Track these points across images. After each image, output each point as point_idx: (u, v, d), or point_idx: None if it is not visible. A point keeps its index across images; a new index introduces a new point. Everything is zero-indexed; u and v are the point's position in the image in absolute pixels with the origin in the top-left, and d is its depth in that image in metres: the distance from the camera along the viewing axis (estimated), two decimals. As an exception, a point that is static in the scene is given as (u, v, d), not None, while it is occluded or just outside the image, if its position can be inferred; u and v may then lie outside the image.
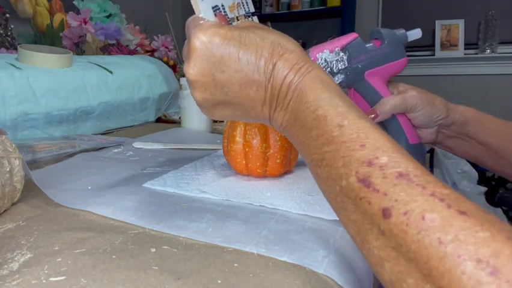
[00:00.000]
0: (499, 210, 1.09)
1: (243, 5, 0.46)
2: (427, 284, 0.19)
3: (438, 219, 0.20)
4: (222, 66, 0.31)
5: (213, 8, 0.40)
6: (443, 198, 0.21)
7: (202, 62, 0.31)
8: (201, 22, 0.33)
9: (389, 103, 0.51)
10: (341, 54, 0.50)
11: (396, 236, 0.21)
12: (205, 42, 0.31)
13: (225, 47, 0.31)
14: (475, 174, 1.10)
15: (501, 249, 0.18)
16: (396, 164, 0.23)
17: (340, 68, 0.50)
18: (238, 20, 0.44)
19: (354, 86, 0.53)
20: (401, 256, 0.21)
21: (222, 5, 0.41)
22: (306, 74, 0.30)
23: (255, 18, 0.48)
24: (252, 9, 0.50)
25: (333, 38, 0.51)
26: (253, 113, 0.33)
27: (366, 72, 0.51)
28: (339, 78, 0.50)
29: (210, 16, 0.38)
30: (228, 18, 0.42)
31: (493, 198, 1.43)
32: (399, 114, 0.53)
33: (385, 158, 0.24)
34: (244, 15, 0.47)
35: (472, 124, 0.54)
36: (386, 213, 0.22)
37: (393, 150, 0.24)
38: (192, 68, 0.32)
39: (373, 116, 0.51)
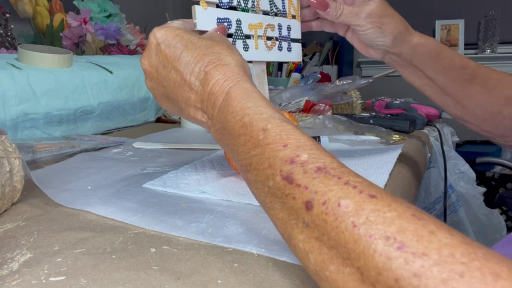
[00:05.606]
0: (496, 211, 1.07)
1: (279, 29, 0.45)
2: (347, 267, 0.20)
3: (351, 204, 0.21)
4: (164, 62, 0.35)
5: (220, 19, 0.39)
6: (355, 185, 0.22)
7: (151, 54, 0.36)
8: (169, 22, 0.38)
9: (335, 12, 0.47)
10: None
11: (318, 226, 0.22)
12: (157, 38, 0.36)
13: (172, 46, 0.35)
14: (472, 175, 1.07)
15: (406, 225, 0.19)
16: (315, 160, 0.25)
17: None
18: (261, 39, 0.43)
19: None
20: (323, 245, 0.22)
21: (238, 20, 0.40)
22: (233, 85, 0.31)
23: (296, 46, 0.47)
24: (297, 36, 0.47)
25: None
26: (186, 112, 0.36)
27: None
28: None
29: (207, 24, 0.39)
30: (243, 34, 0.41)
31: (493, 199, 1.42)
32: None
33: (305, 155, 0.25)
34: (278, 38, 0.45)
35: (422, 58, 0.52)
36: (308, 205, 0.23)
37: (312, 147, 0.26)
38: (144, 58, 0.37)
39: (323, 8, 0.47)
